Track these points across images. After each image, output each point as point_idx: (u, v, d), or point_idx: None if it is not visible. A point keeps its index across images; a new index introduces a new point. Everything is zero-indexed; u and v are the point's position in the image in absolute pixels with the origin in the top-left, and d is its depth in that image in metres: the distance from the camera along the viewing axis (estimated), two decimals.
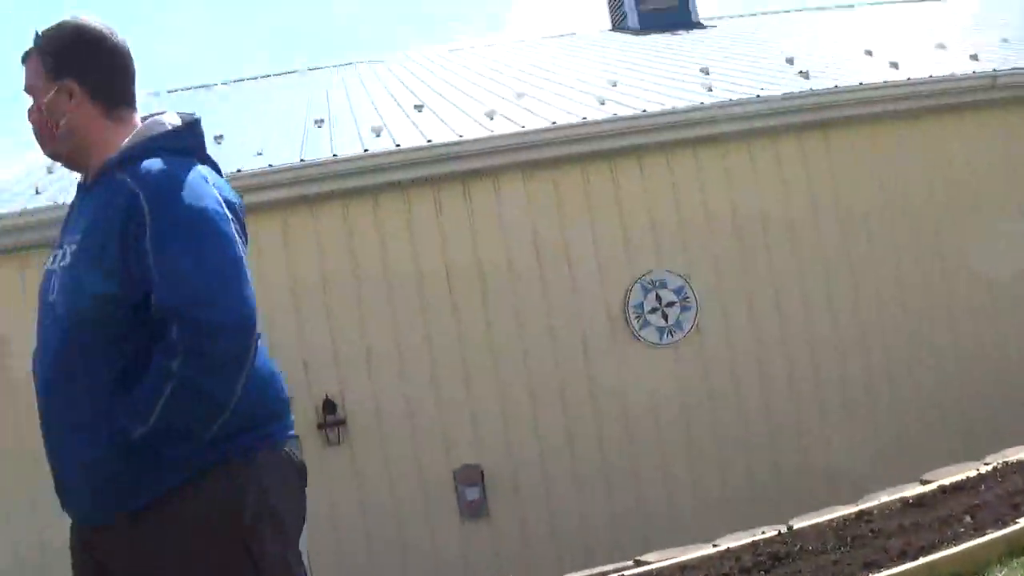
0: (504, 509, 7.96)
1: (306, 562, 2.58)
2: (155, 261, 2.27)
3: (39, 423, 2.49)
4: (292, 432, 2.56)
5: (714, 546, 5.54)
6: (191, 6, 48.18)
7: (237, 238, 2.37)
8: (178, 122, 2.55)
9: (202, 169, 2.45)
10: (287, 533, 2.49)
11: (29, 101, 2.56)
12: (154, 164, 2.38)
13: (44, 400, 2.45)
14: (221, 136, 8.49)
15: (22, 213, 7.80)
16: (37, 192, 8.24)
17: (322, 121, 9.69)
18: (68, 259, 2.42)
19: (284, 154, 8.37)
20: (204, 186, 2.40)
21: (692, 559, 5.36)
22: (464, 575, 6.89)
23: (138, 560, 2.40)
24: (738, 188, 8.56)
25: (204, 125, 2.61)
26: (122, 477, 2.34)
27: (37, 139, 2.57)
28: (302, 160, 8.06)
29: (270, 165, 7.96)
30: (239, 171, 7.58)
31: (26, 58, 2.55)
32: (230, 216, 2.37)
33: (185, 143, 2.52)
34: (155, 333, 2.28)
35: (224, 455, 2.37)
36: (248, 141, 9.19)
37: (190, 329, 2.23)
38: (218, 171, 2.55)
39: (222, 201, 2.38)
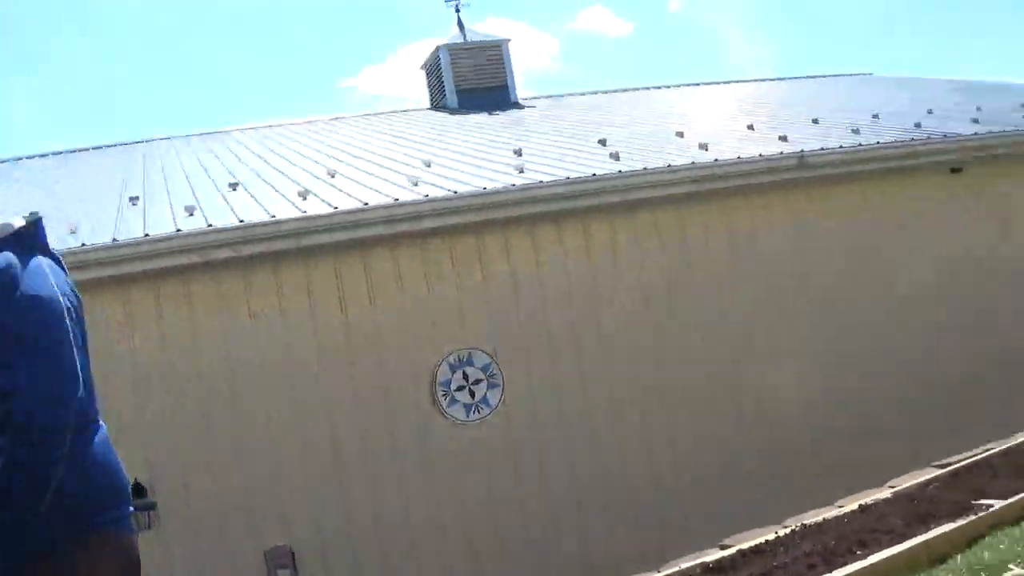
0: None
1: None
2: None
3: None
4: (128, 519, 2.78)
5: None
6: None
7: (76, 327, 2.66)
8: (22, 223, 2.85)
9: (43, 262, 2.75)
10: None
11: None
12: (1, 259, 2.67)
13: None
14: (36, 212, 8.54)
15: None
16: None
17: (137, 198, 9.77)
18: None
19: (98, 233, 8.44)
20: (46, 276, 2.70)
21: None
22: None
23: None
24: (546, 266, 9.00)
25: (15, 199, 2.92)
26: None
27: None
28: (115, 240, 8.12)
29: (83, 244, 8.03)
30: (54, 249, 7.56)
31: None
32: (68, 306, 2.66)
33: (31, 241, 2.83)
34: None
35: (56, 538, 2.57)
36: (63, 218, 9.24)
37: (20, 405, 2.47)
38: (60, 264, 2.87)
39: (58, 292, 2.67)
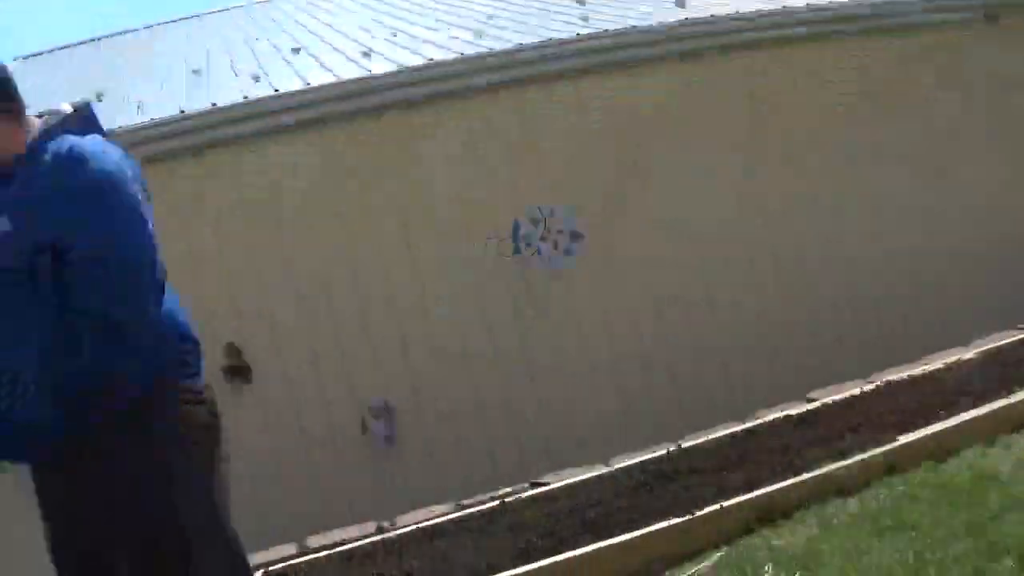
0: (412, 441, 8.36)
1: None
2: (71, 217, 2.68)
3: None
4: (200, 376, 2.98)
5: (607, 466, 5.92)
6: None
7: (139, 197, 2.78)
8: (71, 109, 2.98)
9: (102, 141, 2.87)
10: (201, 468, 2.90)
11: None
12: (63, 141, 2.80)
13: None
14: (102, 93, 8.74)
15: None
16: None
17: (199, 71, 9.91)
18: None
19: (165, 107, 8.62)
20: (110, 152, 2.83)
21: (583, 480, 5.74)
22: (376, 507, 7.27)
23: (72, 496, 2.82)
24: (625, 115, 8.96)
25: (82, 81, 3.07)
26: (58, 416, 2.69)
27: None
28: (182, 112, 8.30)
29: (151, 119, 8.20)
30: (121, 127, 7.77)
31: None
32: (130, 177, 2.79)
33: (84, 124, 2.94)
34: (75, 279, 2.68)
35: (139, 393, 2.74)
36: (128, 96, 9.42)
37: (101, 269, 2.64)
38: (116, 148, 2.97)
39: (123, 167, 2.80)
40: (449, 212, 8.59)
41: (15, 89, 2.93)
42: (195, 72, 9.89)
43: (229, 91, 8.79)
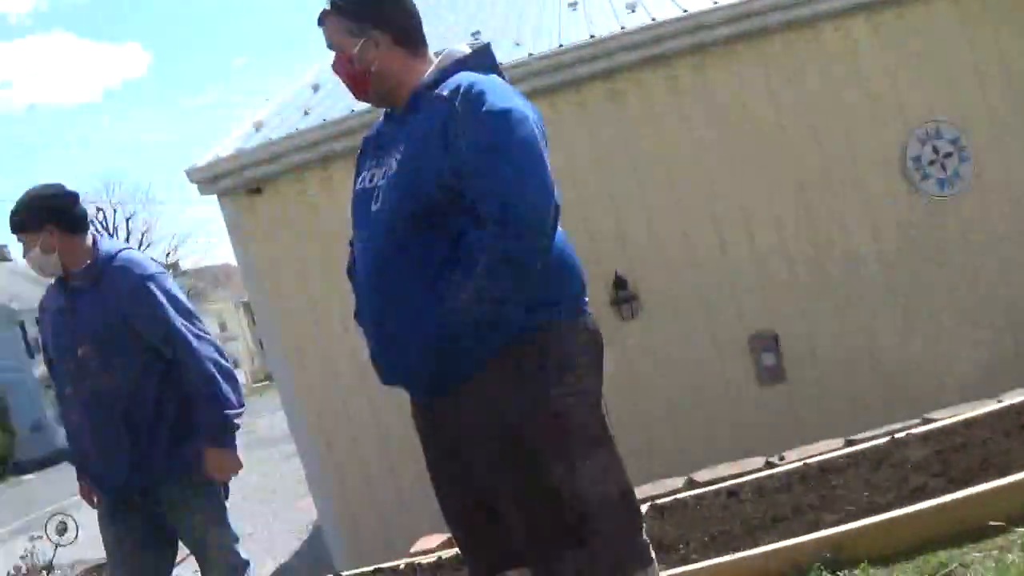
0: (800, 373, 8.24)
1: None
2: (471, 150, 2.79)
3: (361, 312, 3.13)
4: (587, 308, 3.06)
5: (998, 402, 5.61)
6: None
7: (540, 137, 2.85)
8: (468, 50, 3.13)
9: (502, 81, 3.02)
10: (589, 397, 2.98)
11: (332, 56, 3.14)
12: (463, 77, 2.93)
13: (371, 290, 3.02)
14: (477, 32, 9.02)
15: (296, 134, 8.63)
16: (306, 113, 9.06)
17: (576, 3, 10.04)
18: (394, 167, 2.96)
19: (543, 41, 8.79)
20: (510, 90, 2.95)
21: (977, 415, 5.45)
22: (762, 438, 7.21)
23: (462, 423, 2.97)
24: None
25: (457, 23, 3.16)
26: (447, 352, 2.88)
27: (349, 87, 3.17)
28: (561, 45, 8.41)
29: (530, 55, 8.39)
30: (501, 64, 7.96)
31: (323, 20, 3.10)
32: (532, 118, 2.86)
33: (483, 63, 3.07)
34: (471, 217, 2.82)
35: (531, 324, 2.89)
36: (505, 32, 9.69)
37: (501, 204, 2.72)
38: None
39: (525, 107, 2.89)
40: (834, 138, 8.30)
41: (403, 12, 3.09)
42: (571, 5, 10.00)
43: (606, 22, 8.79)
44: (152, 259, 4.78)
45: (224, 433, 4.25)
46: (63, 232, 4.31)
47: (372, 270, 3.01)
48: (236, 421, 4.28)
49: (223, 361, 4.29)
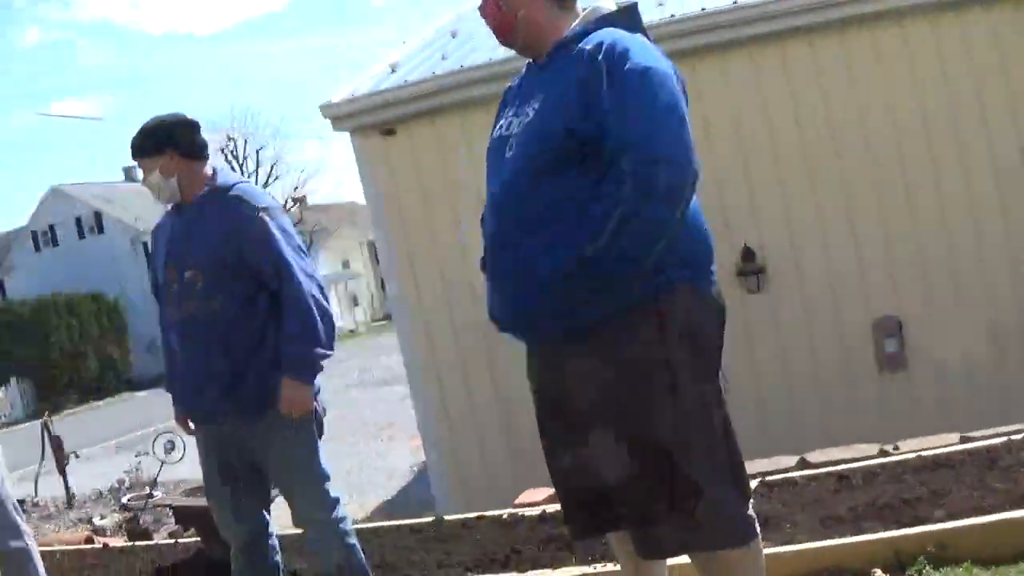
0: (922, 363, 8.10)
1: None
2: (611, 105, 2.82)
3: (487, 256, 3.14)
4: (714, 277, 3.07)
5: None
6: None
7: (682, 98, 2.88)
8: (615, 7, 3.15)
9: (646, 40, 3.03)
10: (708, 366, 3.01)
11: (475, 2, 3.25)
12: (607, 34, 2.96)
13: (498, 235, 3.07)
14: None
15: (432, 78, 8.71)
16: (443, 58, 9.14)
17: None
18: (531, 116, 3.02)
19: (688, 2, 8.66)
20: (653, 50, 2.97)
21: None
22: (877, 425, 7.14)
23: (575, 379, 3.02)
24: None
25: None
26: (571, 296, 2.90)
27: (493, 31, 3.24)
28: (703, 9, 8.33)
29: (672, 16, 8.34)
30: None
31: None
32: (674, 79, 2.90)
33: (628, 21, 3.09)
34: (607, 166, 2.83)
35: (656, 287, 2.90)
36: None
37: (639, 161, 2.75)
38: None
39: (667, 66, 2.93)
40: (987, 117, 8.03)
41: None
42: None
43: None
44: (269, 195, 4.78)
45: (306, 368, 4.24)
46: (182, 158, 4.38)
47: (501, 215, 3.05)
48: (321, 361, 4.27)
49: (323, 301, 4.29)
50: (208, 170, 4.45)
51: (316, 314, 4.21)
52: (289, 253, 4.25)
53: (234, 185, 4.42)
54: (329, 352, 4.27)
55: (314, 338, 4.21)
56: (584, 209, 2.86)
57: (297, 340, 4.20)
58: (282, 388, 4.18)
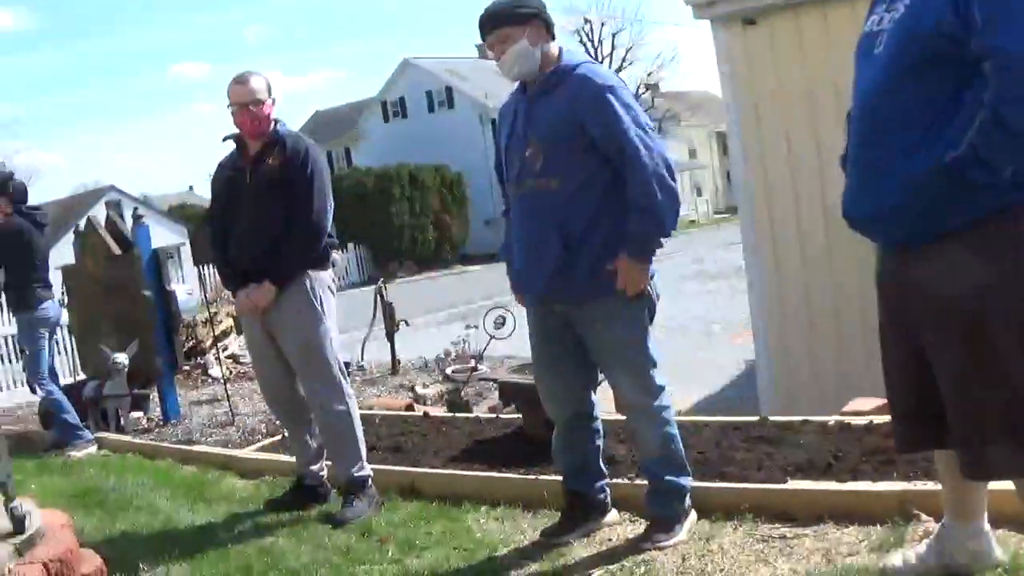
0: None
1: None
2: (980, 5, 2.75)
3: (851, 147, 3.21)
4: None
5: None
6: None
7: None
8: None
9: None
10: None
11: None
12: None
13: (861, 130, 3.13)
14: None
15: None
16: None
17: None
18: (901, 11, 2.99)
19: None
20: None
21: None
22: None
23: (923, 287, 3.04)
24: None
25: None
26: (926, 202, 2.91)
27: None
28: None
29: None
30: None
31: None
32: None
33: None
34: (970, 71, 2.82)
35: (1015, 201, 2.87)
36: None
37: (1003, 68, 2.71)
38: None
39: None
40: None
41: None
42: None
43: None
44: (615, 73, 4.81)
45: (646, 247, 4.23)
46: (546, 32, 4.39)
47: (863, 114, 3.10)
48: (661, 239, 4.26)
49: (669, 180, 4.21)
50: (554, 50, 4.42)
51: (660, 193, 4.15)
52: (633, 130, 4.20)
53: (579, 64, 4.38)
54: (669, 232, 4.26)
55: (656, 217, 4.18)
56: (945, 114, 2.86)
57: (639, 218, 4.17)
58: (620, 266, 4.19)
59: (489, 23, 4.34)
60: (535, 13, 4.34)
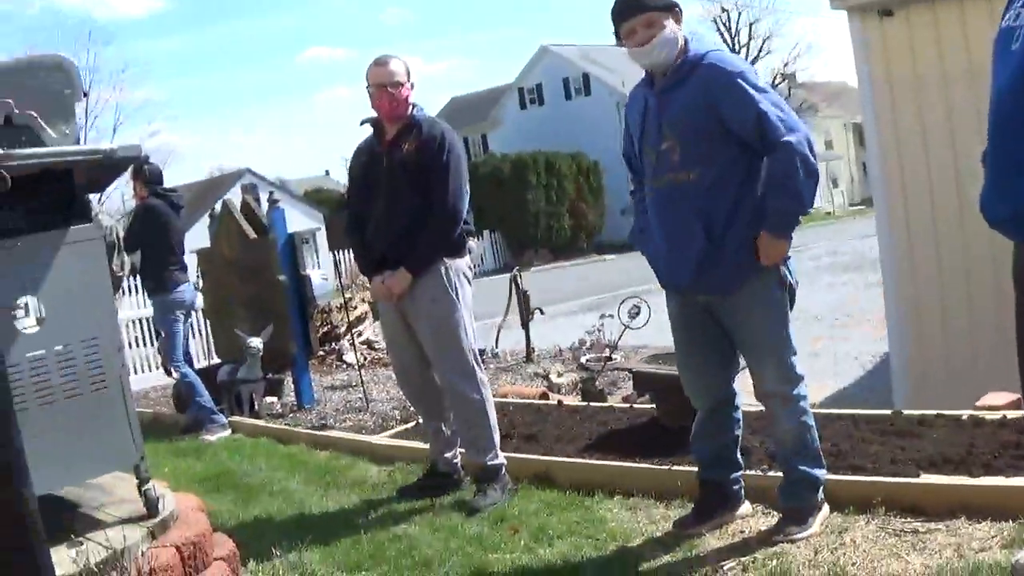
0: None
1: None
2: None
3: (989, 143, 3.15)
4: None
5: None
6: None
7: None
8: None
9: None
10: None
11: None
12: None
13: (998, 124, 3.09)
14: None
15: None
16: None
17: None
18: None
19: None
20: None
21: None
22: None
23: None
24: None
25: None
26: None
27: None
28: None
29: None
30: None
31: None
32: None
33: None
34: None
35: None
36: None
37: None
38: None
39: None
40: None
41: None
42: None
43: None
44: (743, 59, 4.80)
45: (786, 223, 4.23)
46: (679, 22, 4.37)
47: (1001, 109, 3.06)
48: (800, 216, 4.26)
49: (810, 156, 4.18)
50: (681, 40, 4.38)
51: (800, 169, 4.14)
52: (772, 111, 4.18)
53: (706, 54, 4.36)
54: (808, 209, 4.27)
55: (796, 195, 4.18)
56: None
57: (779, 195, 4.19)
58: (760, 242, 4.22)
59: (637, 7, 4.29)
60: (675, 2, 4.34)
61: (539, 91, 52.67)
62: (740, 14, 57.89)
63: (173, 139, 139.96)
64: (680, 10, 4.34)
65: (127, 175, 8.24)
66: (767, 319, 4.33)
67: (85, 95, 4.40)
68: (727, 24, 57.02)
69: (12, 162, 3.16)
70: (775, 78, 54.48)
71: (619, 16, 4.35)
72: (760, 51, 56.76)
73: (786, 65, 58.52)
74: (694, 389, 4.63)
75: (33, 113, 3.39)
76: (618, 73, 47.25)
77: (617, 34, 4.43)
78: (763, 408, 4.60)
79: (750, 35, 57.75)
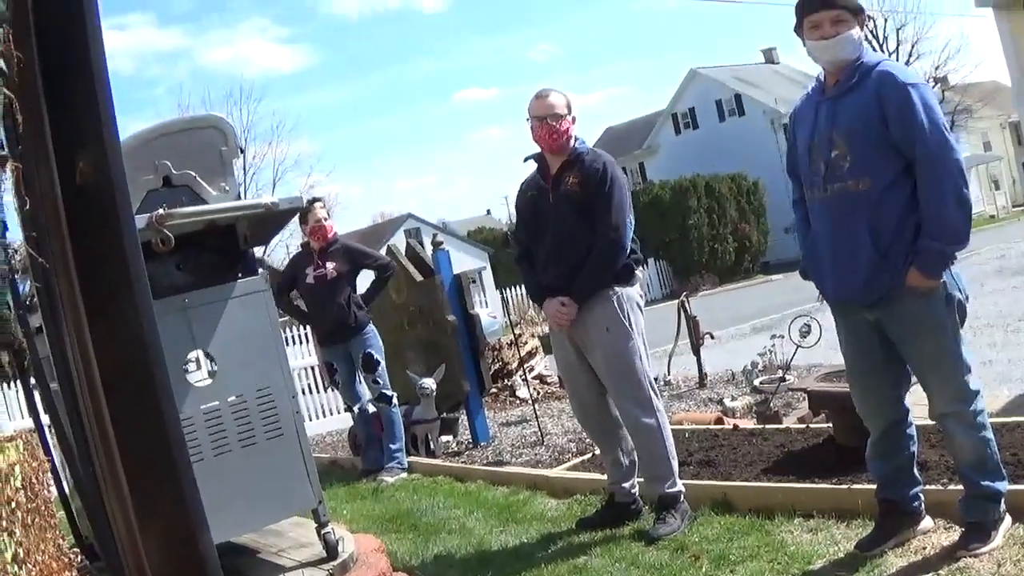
0: None
1: None
2: None
3: None
4: None
5: None
6: None
7: None
8: None
9: None
10: None
11: None
12: None
13: None
14: None
15: None
16: None
17: None
18: None
19: None
20: None
21: None
22: None
23: None
24: None
25: None
26: None
27: None
28: None
29: None
30: None
31: None
32: None
33: None
34: None
35: None
36: None
37: None
38: None
39: None
40: None
41: None
42: None
43: None
44: (915, 71, 4.63)
45: (938, 264, 4.12)
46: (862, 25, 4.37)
47: None
48: (955, 254, 4.14)
49: (963, 188, 4.08)
50: (863, 46, 4.38)
51: (953, 203, 4.06)
52: (934, 132, 4.09)
53: (880, 62, 4.31)
54: (963, 244, 4.14)
55: (951, 231, 4.08)
56: None
57: (934, 231, 4.09)
58: (910, 279, 4.14)
59: (829, 1, 4.27)
60: (864, 8, 4.34)
61: (692, 115, 52.33)
62: (885, 20, 56.63)
63: (334, 188, 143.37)
64: (866, 18, 4.36)
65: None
66: (937, 337, 4.22)
67: (242, 152, 4.49)
68: (874, 32, 55.77)
69: (173, 221, 3.22)
70: (929, 83, 53.06)
71: (808, 7, 4.32)
72: (909, 56, 55.37)
73: (937, 68, 56.96)
74: (866, 411, 4.56)
75: (192, 172, 3.46)
76: (770, 91, 46.67)
77: (799, 27, 4.38)
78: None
79: (898, 40, 56.38)
